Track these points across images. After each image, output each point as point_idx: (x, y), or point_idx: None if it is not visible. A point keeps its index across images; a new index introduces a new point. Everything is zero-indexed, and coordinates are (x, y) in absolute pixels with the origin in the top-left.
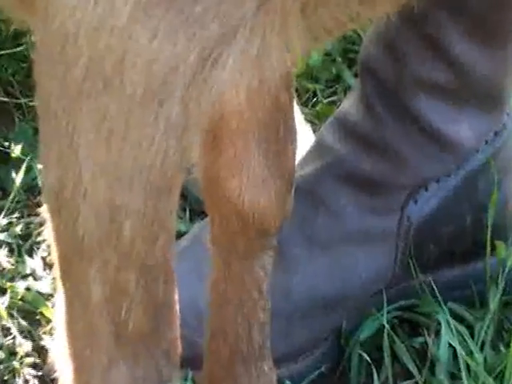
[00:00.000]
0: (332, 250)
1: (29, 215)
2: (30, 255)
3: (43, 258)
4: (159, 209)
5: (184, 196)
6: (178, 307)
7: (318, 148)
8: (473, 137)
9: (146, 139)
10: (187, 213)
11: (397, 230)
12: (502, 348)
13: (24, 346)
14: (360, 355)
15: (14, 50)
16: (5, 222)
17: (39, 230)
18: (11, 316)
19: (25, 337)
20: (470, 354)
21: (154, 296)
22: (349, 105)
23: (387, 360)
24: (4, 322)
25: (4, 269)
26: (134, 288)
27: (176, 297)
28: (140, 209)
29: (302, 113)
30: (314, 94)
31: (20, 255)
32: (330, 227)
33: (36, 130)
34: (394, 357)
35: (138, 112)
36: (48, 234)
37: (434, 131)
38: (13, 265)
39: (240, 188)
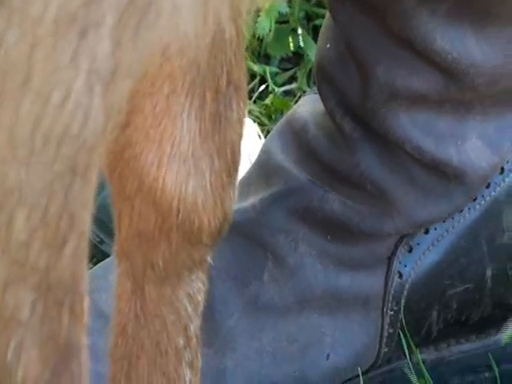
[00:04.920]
0: (285, 321)
1: None
2: None
3: None
4: (70, 198)
5: None
6: (86, 356)
7: (265, 167)
8: (486, 155)
9: (59, 87)
10: None
11: (383, 292)
12: None
13: None
14: None
15: None
16: None
17: None
18: None
19: None
20: None
21: (54, 331)
22: (308, 112)
23: None
24: None
25: None
26: (27, 315)
27: (85, 339)
28: (42, 194)
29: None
30: (263, 81)
31: None
32: (282, 287)
33: None
34: None
35: (47, 45)
36: None
37: (426, 159)
38: None
39: (159, 164)
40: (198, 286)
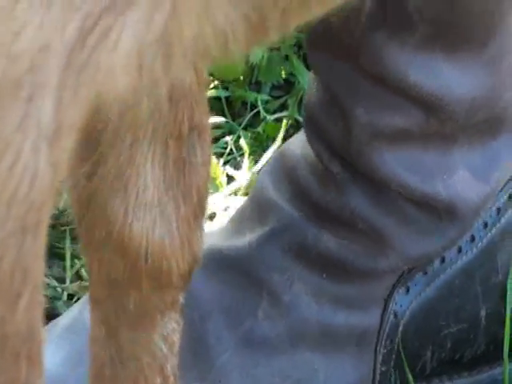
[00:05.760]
0: (278, 358)
1: None
2: None
3: None
4: (23, 254)
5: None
6: None
7: (258, 203)
8: (475, 187)
9: (10, 152)
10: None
11: (377, 331)
12: None
13: None
14: None
15: None
16: None
17: None
18: None
19: None
20: None
21: (12, 380)
22: (299, 150)
23: None
24: None
25: None
26: None
27: (42, 382)
28: None
29: (236, 134)
30: (253, 107)
31: None
32: (276, 324)
33: None
34: None
35: None
36: None
37: (415, 196)
38: None
39: (125, 213)
40: (172, 326)
